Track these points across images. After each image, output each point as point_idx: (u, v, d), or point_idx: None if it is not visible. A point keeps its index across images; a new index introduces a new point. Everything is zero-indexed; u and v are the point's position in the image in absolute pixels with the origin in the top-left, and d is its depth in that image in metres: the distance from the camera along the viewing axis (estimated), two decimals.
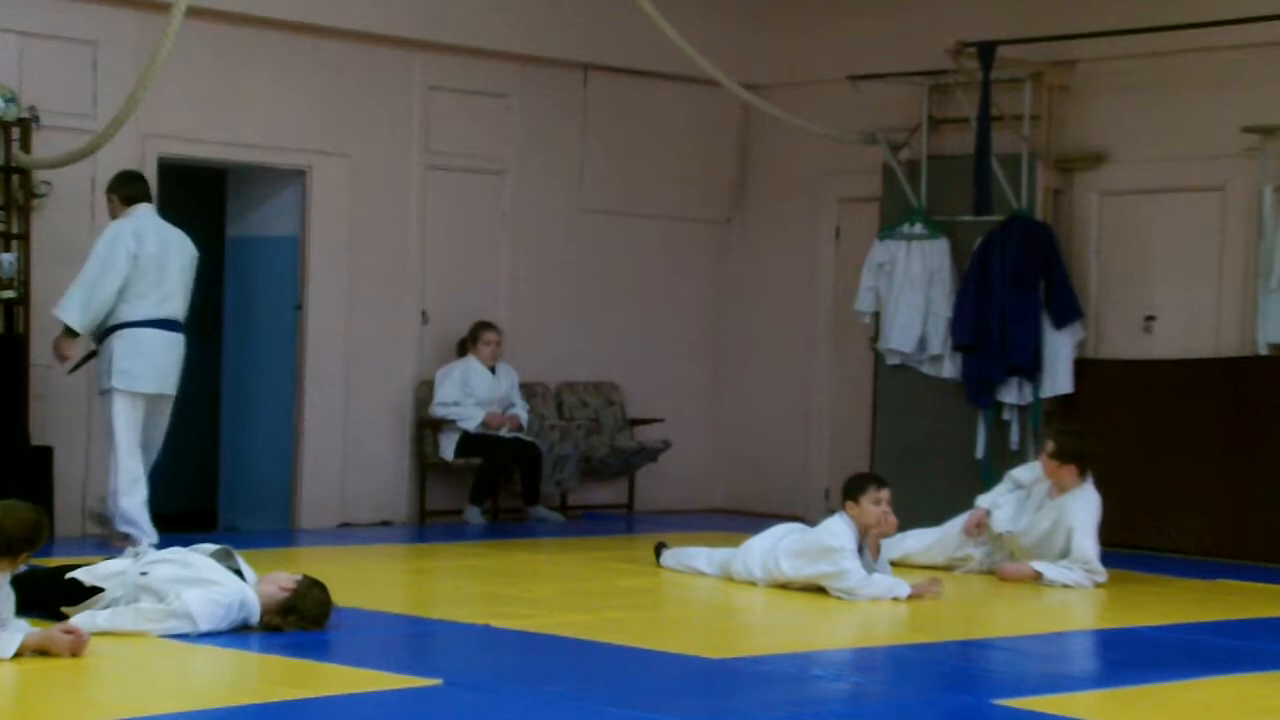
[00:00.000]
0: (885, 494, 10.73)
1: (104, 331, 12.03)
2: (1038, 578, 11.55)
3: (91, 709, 7.18)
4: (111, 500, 12.08)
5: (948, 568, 11.98)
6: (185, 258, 12.22)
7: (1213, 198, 13.70)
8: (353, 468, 14.12)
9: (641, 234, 15.70)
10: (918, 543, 12.11)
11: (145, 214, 12.14)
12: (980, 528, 11.94)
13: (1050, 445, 11.81)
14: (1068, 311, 13.93)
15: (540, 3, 14.78)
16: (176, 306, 12.16)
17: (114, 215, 12.19)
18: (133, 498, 12.02)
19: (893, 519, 10.75)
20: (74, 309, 11.93)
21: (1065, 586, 11.42)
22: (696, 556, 11.47)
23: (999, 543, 11.94)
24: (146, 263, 11.98)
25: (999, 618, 10.66)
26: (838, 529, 10.72)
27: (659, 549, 11.71)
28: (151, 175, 13.03)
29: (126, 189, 12.18)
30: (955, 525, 12.10)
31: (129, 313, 11.98)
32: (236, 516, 13.98)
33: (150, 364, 12.05)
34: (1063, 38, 13.98)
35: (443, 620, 9.56)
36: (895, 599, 10.51)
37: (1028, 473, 12.06)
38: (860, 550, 10.70)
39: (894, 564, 11.30)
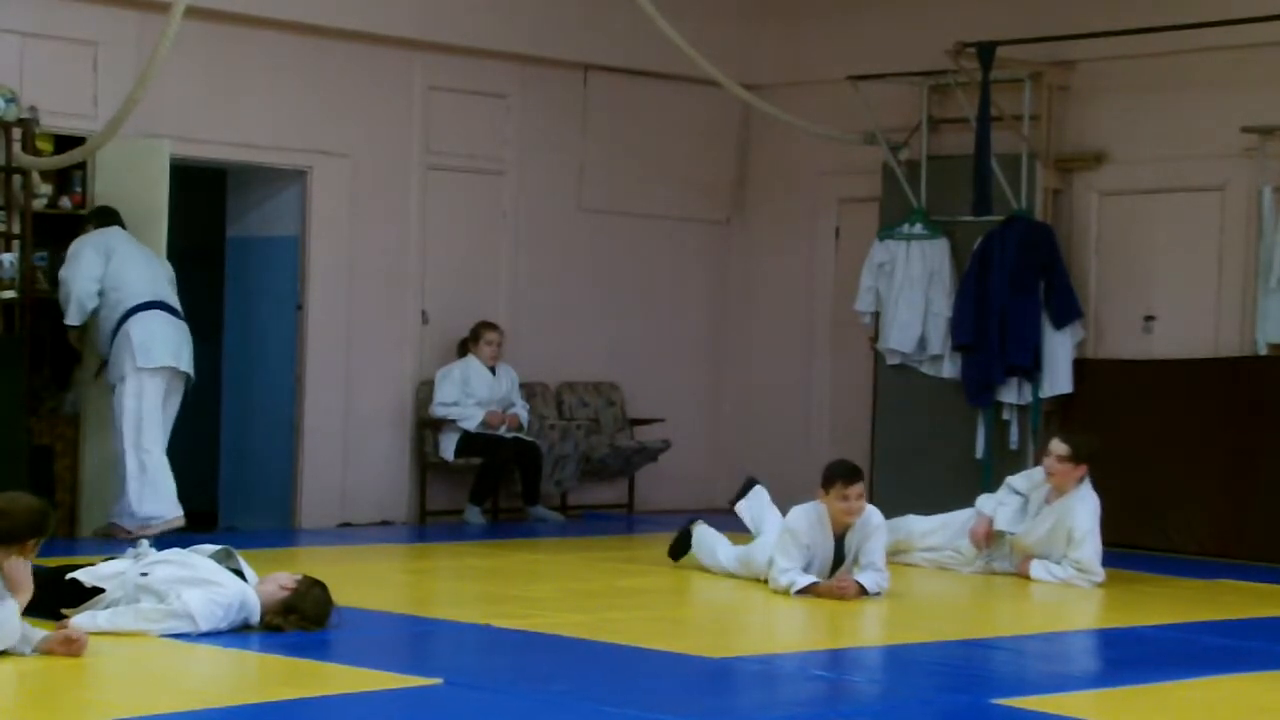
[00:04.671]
0: (854, 489, 10.56)
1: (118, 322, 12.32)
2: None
3: (91, 709, 7.18)
4: (131, 497, 12.25)
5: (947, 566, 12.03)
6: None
7: (1212, 198, 13.70)
8: (353, 468, 14.11)
9: (641, 234, 15.69)
10: (920, 526, 12.16)
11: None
12: (989, 538, 11.91)
13: (1064, 448, 11.69)
14: (1067, 311, 13.93)
15: (540, 3, 14.78)
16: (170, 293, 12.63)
17: None
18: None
19: (856, 508, 10.58)
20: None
21: (1064, 583, 11.45)
22: (719, 542, 11.51)
23: (999, 542, 11.94)
24: (124, 255, 12.38)
25: (999, 618, 10.67)
26: (795, 515, 10.72)
27: (688, 524, 11.76)
28: None
29: (98, 220, 12.59)
30: (958, 517, 12.10)
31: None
32: (237, 516, 13.97)
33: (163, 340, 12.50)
34: (1063, 38, 13.98)
35: (443, 620, 9.57)
36: (789, 589, 10.49)
37: (1024, 481, 12.01)
38: (841, 541, 10.64)
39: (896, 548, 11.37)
